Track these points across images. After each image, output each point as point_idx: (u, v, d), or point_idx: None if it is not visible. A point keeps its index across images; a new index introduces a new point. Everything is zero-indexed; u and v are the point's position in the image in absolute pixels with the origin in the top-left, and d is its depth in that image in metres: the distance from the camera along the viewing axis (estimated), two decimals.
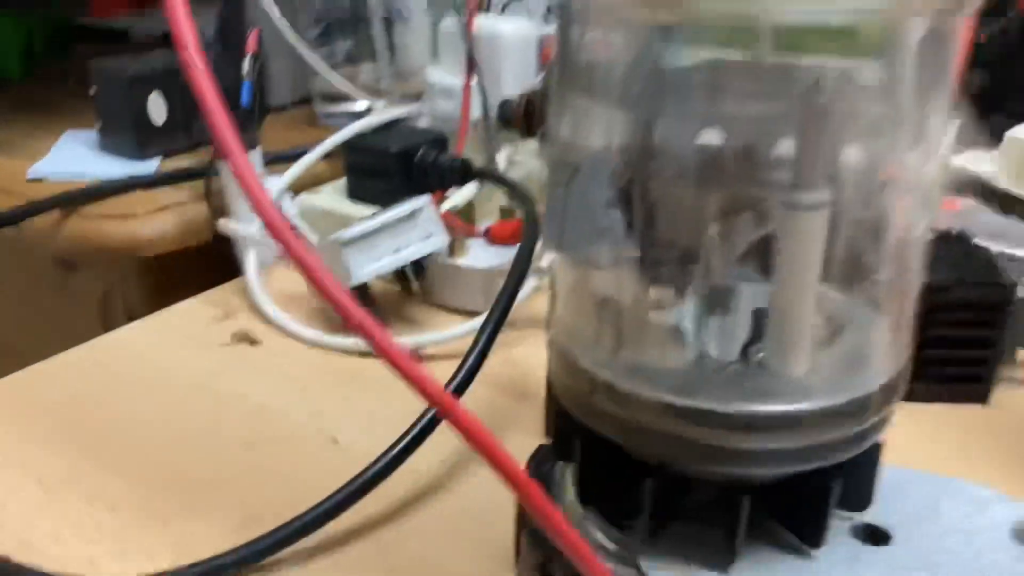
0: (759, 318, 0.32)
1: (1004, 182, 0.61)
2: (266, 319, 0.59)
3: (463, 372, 0.44)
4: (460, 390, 0.44)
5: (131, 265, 0.66)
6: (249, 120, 0.61)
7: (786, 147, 0.30)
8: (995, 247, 0.57)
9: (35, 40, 0.97)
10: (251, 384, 0.53)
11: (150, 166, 0.72)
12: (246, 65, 0.59)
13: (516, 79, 0.65)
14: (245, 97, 0.59)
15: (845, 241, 0.33)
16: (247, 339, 0.57)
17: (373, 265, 0.56)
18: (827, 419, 0.31)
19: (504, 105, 0.34)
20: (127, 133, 0.72)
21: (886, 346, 0.33)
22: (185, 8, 0.26)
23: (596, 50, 0.30)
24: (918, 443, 0.48)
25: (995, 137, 0.66)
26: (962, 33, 0.32)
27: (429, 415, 0.43)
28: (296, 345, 0.57)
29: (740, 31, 0.31)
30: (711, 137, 0.31)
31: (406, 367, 0.21)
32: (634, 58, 0.30)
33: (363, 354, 0.56)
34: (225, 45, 0.60)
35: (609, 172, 0.29)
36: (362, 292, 0.58)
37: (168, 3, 0.25)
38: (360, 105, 0.83)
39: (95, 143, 0.75)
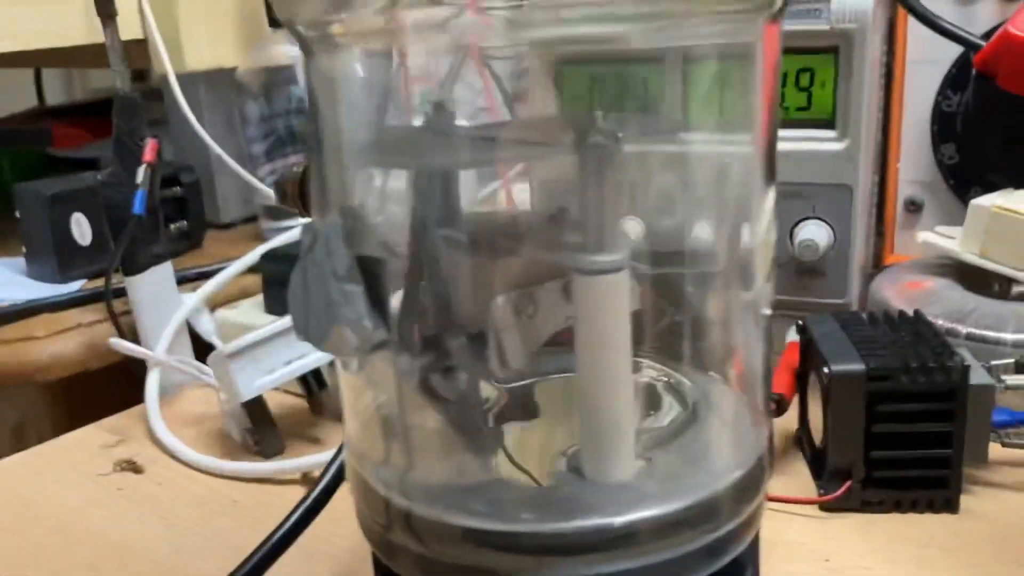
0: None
1: (970, 256, 0.54)
2: (160, 445, 0.54)
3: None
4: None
5: (40, 392, 0.62)
6: (149, 231, 0.58)
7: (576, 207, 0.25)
8: (959, 328, 0.50)
9: (4, 172, 0.97)
10: (117, 519, 0.47)
11: (72, 288, 0.69)
12: (140, 175, 0.56)
13: None
14: (137, 206, 0.55)
15: (658, 314, 0.27)
16: (131, 468, 0.52)
17: (263, 379, 0.52)
18: (662, 532, 0.25)
19: (280, 181, 0.30)
20: (49, 255, 0.69)
21: (732, 435, 0.27)
22: None
23: (338, 106, 0.25)
24: (866, 561, 0.41)
25: None
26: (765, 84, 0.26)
27: (263, 551, 0.37)
28: (186, 472, 0.52)
29: None
30: (489, 199, 0.26)
31: None
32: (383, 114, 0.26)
33: (252, 480, 0.50)
34: (121, 158, 0.57)
35: (342, 241, 0.23)
36: (257, 407, 0.53)
37: None
38: (304, 219, 0.80)
39: (22, 269, 0.73)
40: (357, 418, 0.28)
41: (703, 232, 0.28)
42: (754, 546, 0.29)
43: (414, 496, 0.26)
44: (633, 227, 0.32)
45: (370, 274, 0.24)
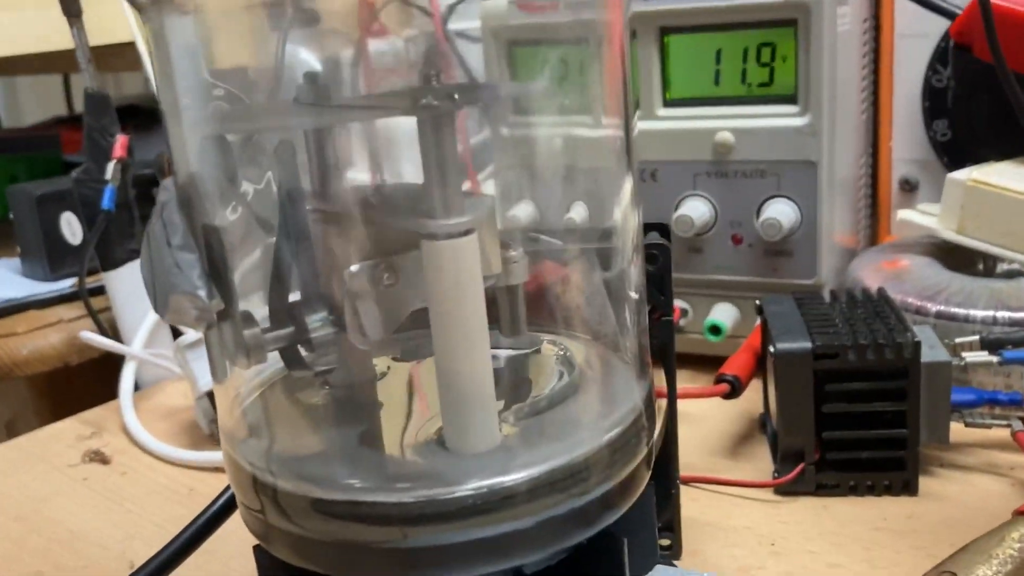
0: None
1: (947, 232, 0.52)
2: (130, 437, 0.55)
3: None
4: None
5: (29, 387, 0.63)
6: (123, 226, 0.59)
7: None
8: (929, 306, 0.48)
9: (20, 178, 0.99)
10: (77, 508, 0.48)
11: (64, 286, 0.70)
12: (110, 170, 0.57)
13: None
14: (107, 201, 0.56)
15: (546, 288, 0.26)
16: (99, 459, 0.53)
17: None
18: (522, 497, 0.24)
19: (160, 155, 0.30)
20: (40, 254, 0.70)
21: (603, 400, 0.26)
22: None
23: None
24: (813, 544, 0.39)
25: None
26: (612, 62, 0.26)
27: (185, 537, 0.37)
28: (150, 462, 0.53)
29: None
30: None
31: None
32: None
33: (209, 469, 0.51)
34: (93, 155, 0.58)
35: (177, 209, 0.23)
36: None
37: None
38: None
39: (18, 268, 0.74)
40: (225, 396, 0.28)
41: (570, 212, 0.28)
42: (641, 523, 0.28)
43: (279, 472, 0.26)
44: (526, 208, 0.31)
45: (208, 244, 0.24)
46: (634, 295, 0.28)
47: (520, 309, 0.29)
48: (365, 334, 0.25)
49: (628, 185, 0.27)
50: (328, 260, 0.26)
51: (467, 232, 0.24)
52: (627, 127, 0.27)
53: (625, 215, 0.28)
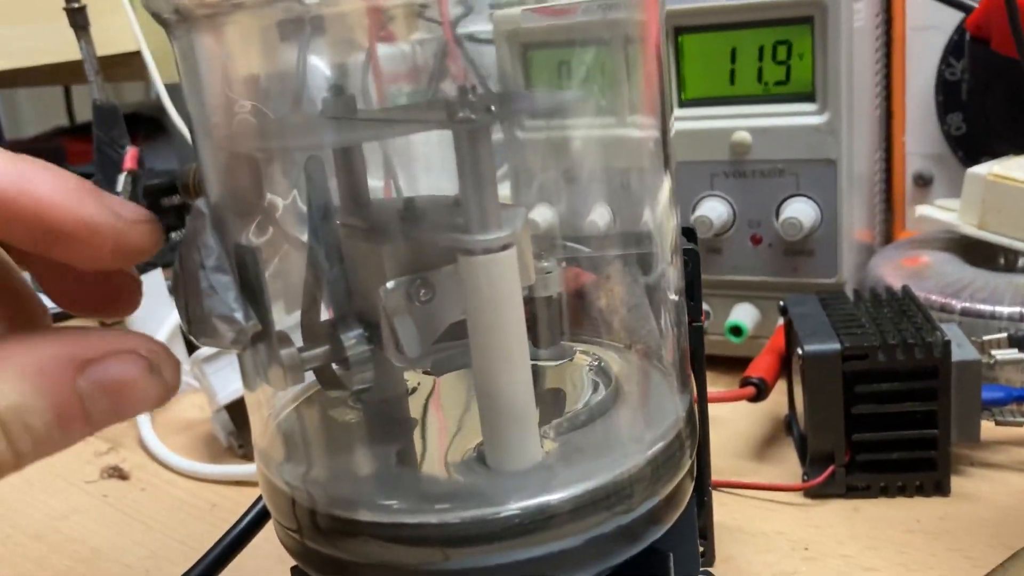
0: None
1: (968, 228, 0.52)
2: (147, 451, 0.55)
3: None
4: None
5: None
6: None
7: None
8: (954, 303, 0.48)
9: None
10: (97, 525, 0.48)
11: None
12: (120, 183, 0.56)
13: None
14: None
15: (581, 297, 0.26)
16: (118, 474, 0.53)
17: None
18: (565, 517, 0.24)
19: (181, 173, 0.30)
20: None
21: (645, 414, 0.26)
22: None
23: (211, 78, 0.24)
24: (847, 548, 0.39)
25: None
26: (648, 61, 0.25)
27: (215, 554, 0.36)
28: (169, 477, 0.52)
29: None
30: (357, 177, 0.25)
31: None
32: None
33: (231, 483, 0.50)
34: (103, 167, 0.57)
35: (209, 230, 0.23)
36: (239, 410, 0.52)
37: None
38: None
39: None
40: (259, 416, 0.27)
41: (600, 216, 0.27)
42: (684, 535, 0.28)
43: (316, 493, 0.25)
44: (544, 212, 0.31)
45: (243, 264, 0.23)
46: (674, 297, 0.27)
47: (556, 320, 0.29)
48: (403, 352, 0.25)
49: (667, 185, 0.27)
50: (361, 276, 0.26)
51: (506, 246, 0.23)
52: (664, 126, 0.27)
53: (664, 216, 0.27)
